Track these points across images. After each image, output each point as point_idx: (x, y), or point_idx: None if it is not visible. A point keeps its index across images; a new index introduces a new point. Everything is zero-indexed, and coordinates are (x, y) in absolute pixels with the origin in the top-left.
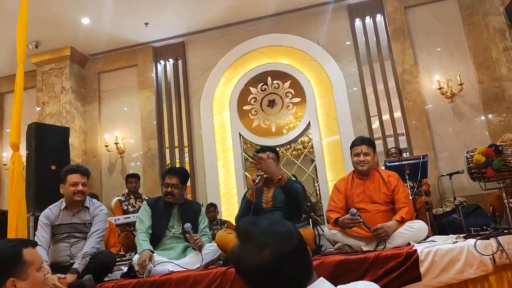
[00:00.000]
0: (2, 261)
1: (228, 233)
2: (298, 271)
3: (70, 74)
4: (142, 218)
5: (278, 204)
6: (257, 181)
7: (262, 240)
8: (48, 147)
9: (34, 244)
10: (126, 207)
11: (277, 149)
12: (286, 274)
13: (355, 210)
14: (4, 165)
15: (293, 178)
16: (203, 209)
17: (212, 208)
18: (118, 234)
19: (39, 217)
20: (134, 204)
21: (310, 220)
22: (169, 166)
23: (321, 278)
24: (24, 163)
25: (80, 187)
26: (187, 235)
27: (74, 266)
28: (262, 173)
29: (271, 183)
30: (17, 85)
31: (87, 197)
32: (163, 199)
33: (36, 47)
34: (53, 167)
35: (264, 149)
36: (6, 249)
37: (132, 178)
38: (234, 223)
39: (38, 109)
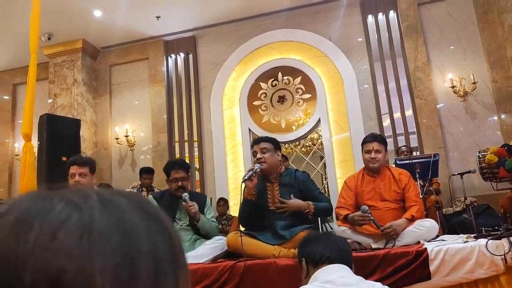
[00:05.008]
0: None
1: (239, 236)
2: None
3: (82, 66)
4: None
5: None
6: (246, 177)
7: None
8: (59, 139)
9: None
10: None
11: (286, 145)
12: None
13: (367, 207)
14: (16, 155)
15: (302, 172)
16: (209, 200)
17: (222, 203)
18: None
19: None
20: (146, 197)
21: (319, 217)
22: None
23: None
24: (36, 154)
25: (76, 178)
26: (183, 203)
27: None
28: (257, 167)
29: (273, 176)
30: (30, 75)
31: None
32: (169, 192)
33: (49, 39)
34: (64, 158)
35: (260, 139)
36: None
37: (146, 175)
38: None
39: (50, 101)
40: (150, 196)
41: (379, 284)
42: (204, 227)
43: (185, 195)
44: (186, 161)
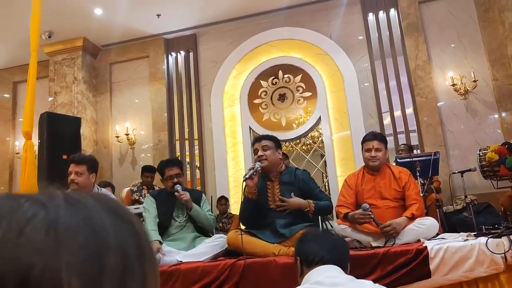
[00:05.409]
0: None
1: (239, 234)
2: None
3: (82, 64)
4: (149, 208)
5: None
6: (247, 176)
7: None
8: (60, 137)
9: None
10: (137, 197)
11: (287, 143)
12: None
13: (368, 206)
14: (17, 153)
15: (302, 170)
16: (204, 195)
17: (223, 201)
18: None
19: None
20: (146, 195)
21: (319, 216)
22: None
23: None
24: (36, 152)
25: (72, 176)
26: (175, 193)
27: None
28: (257, 166)
29: (273, 174)
30: (30, 74)
31: (96, 186)
32: (165, 190)
33: (49, 37)
34: (65, 157)
35: (262, 137)
36: None
37: (148, 173)
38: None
39: (50, 99)
40: (148, 194)
41: (369, 282)
42: (199, 216)
43: (177, 186)
44: (186, 159)
